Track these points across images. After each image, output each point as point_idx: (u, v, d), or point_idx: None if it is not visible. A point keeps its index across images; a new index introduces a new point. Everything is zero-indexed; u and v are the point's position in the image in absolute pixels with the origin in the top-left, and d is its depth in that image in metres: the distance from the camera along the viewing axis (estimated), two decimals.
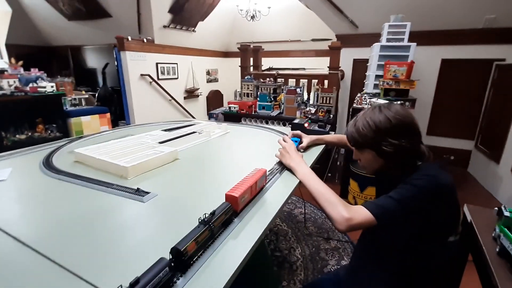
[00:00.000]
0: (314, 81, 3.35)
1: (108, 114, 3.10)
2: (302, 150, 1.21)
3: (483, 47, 3.03)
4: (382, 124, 0.78)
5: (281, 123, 2.91)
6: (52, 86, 2.59)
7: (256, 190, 0.78)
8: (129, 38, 3.90)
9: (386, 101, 2.22)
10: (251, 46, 3.88)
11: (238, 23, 5.60)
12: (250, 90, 3.39)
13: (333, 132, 1.64)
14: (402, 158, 0.80)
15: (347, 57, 3.67)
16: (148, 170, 0.98)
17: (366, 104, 2.29)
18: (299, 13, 4.93)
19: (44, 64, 4.87)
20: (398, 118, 0.77)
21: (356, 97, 2.51)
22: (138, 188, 0.81)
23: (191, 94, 5.34)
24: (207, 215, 0.57)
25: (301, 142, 1.24)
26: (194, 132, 1.46)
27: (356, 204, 2.19)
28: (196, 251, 0.52)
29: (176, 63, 4.88)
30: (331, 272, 1.53)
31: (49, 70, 4.06)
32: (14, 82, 2.42)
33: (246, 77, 3.44)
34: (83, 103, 3.08)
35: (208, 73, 5.93)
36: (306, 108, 3.00)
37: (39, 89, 2.51)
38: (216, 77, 6.21)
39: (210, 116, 3.39)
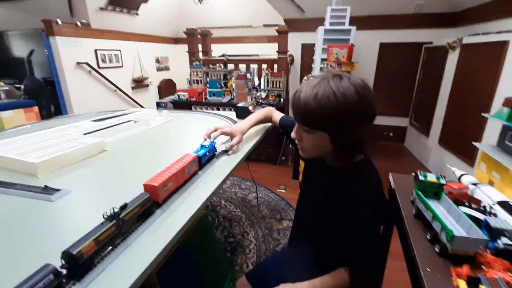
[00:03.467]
0: (264, 66, 3.34)
1: (35, 108, 2.72)
2: (233, 149, 1.00)
3: (414, 32, 3.30)
4: (351, 99, 0.60)
5: (232, 110, 2.85)
6: None
7: (184, 177, 0.73)
8: (59, 21, 3.43)
9: None
10: (198, 31, 3.70)
11: (186, 7, 5.29)
12: (200, 77, 3.26)
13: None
14: (354, 149, 0.69)
15: (296, 41, 3.72)
16: (65, 165, 0.86)
17: None
18: None
19: None
20: (365, 93, 0.62)
21: (303, 80, 2.56)
22: (45, 186, 0.70)
23: (139, 83, 4.97)
24: (115, 210, 0.51)
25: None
26: (129, 121, 1.34)
27: None
28: (96, 252, 0.45)
29: (119, 50, 4.47)
30: (277, 252, 1.56)
31: None
32: None
33: (194, 63, 3.29)
34: (2, 96, 2.66)
35: (157, 61, 5.56)
36: (257, 93, 2.98)
37: None
38: (166, 65, 5.86)
39: (158, 106, 3.20)
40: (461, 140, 2.26)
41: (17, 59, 4.85)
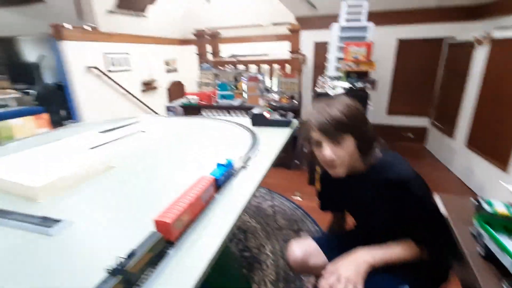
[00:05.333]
0: (276, 66, 3.23)
1: (45, 115, 2.69)
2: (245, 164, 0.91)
3: (434, 26, 3.10)
4: (355, 105, 0.75)
5: (244, 113, 2.75)
6: None
7: (200, 207, 0.62)
8: (67, 25, 3.41)
9: (349, 84, 2.18)
10: (208, 32, 3.61)
11: (194, 7, 5.22)
12: (210, 79, 3.17)
13: (296, 120, 1.53)
14: (373, 144, 0.77)
15: (308, 40, 3.58)
16: (69, 187, 0.78)
17: (328, 87, 2.22)
18: None
19: None
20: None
21: (318, 81, 2.43)
22: (45, 217, 0.62)
23: (149, 86, 4.93)
24: (121, 260, 0.41)
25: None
26: (136, 132, 1.25)
27: None
28: None
29: (128, 53, 4.43)
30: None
31: None
32: None
33: (203, 66, 3.21)
34: (13, 103, 2.64)
35: (166, 63, 5.52)
36: (269, 95, 2.87)
37: None
38: (175, 67, 5.81)
39: (168, 110, 3.13)
40: (493, 143, 2.09)
41: (28, 64, 4.90)
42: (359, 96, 2.07)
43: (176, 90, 5.71)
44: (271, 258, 1.58)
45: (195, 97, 2.98)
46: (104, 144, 1.08)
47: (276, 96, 2.84)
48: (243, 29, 5.19)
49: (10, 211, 0.66)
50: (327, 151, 0.73)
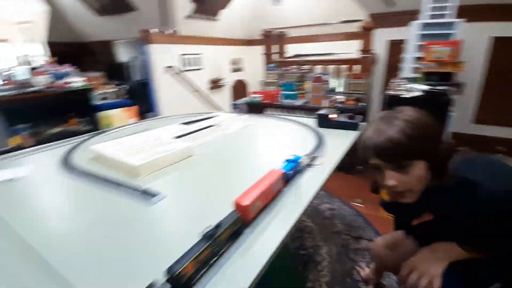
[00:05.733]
0: (343, 67, 3.12)
1: (135, 107, 3.16)
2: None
3: None
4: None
5: (307, 113, 2.75)
6: (82, 81, 2.67)
7: (271, 196, 0.68)
8: (154, 30, 3.92)
9: (428, 87, 1.98)
10: (275, 32, 3.71)
11: (261, 9, 5.39)
12: (274, 79, 3.25)
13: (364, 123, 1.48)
14: (447, 162, 0.64)
15: (381, 38, 3.36)
16: (160, 168, 0.93)
17: (403, 90, 2.06)
18: None
19: (77, 59, 5.13)
20: (421, 112, 0.65)
21: (392, 83, 2.27)
22: (145, 190, 0.76)
23: (215, 84, 5.31)
24: (210, 228, 0.49)
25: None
26: (213, 126, 1.39)
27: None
28: (195, 273, 0.44)
29: (201, 54, 4.85)
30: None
31: (82, 65, 4.24)
32: (47, 78, 2.52)
33: (269, 66, 3.30)
34: (112, 97, 3.16)
35: (232, 62, 5.85)
36: (334, 96, 2.81)
37: (68, 84, 2.59)
38: (240, 66, 6.11)
39: (234, 107, 3.33)
40: None
41: (121, 64, 5.79)
42: (439, 101, 1.87)
43: (239, 88, 6.01)
44: (326, 260, 1.56)
45: (259, 95, 3.10)
46: (186, 134, 1.23)
47: (341, 98, 2.76)
48: (307, 28, 5.14)
49: (119, 183, 0.82)
50: (390, 180, 0.64)
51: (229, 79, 5.74)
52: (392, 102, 1.96)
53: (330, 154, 1.02)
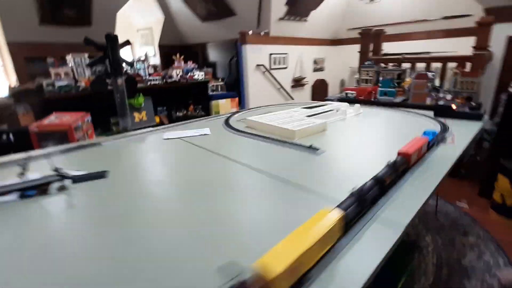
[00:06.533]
0: (450, 65, 2.94)
1: (237, 99, 3.65)
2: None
3: None
4: None
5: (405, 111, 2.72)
6: (202, 75, 3.25)
7: (421, 154, 0.86)
8: (250, 32, 4.37)
9: None
10: (372, 30, 3.71)
11: (352, 8, 5.35)
12: (370, 76, 3.28)
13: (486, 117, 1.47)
14: None
15: (498, 34, 3.02)
16: (306, 136, 1.19)
17: None
18: None
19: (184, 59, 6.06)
20: None
21: None
22: (311, 145, 1.02)
23: (298, 83, 5.54)
24: (394, 161, 0.71)
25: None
26: (331, 110, 1.61)
27: (504, 202, 1.88)
28: (389, 185, 0.66)
29: (287, 53, 5.15)
30: None
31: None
32: (180, 72, 3.17)
33: (366, 63, 3.35)
34: (219, 89, 3.71)
35: (315, 62, 5.98)
36: (438, 94, 2.70)
37: (192, 77, 3.20)
38: (322, 66, 6.19)
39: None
40: None
41: (214, 63, 6.55)
42: None
43: (319, 87, 6.09)
44: (431, 247, 1.61)
45: (353, 92, 3.19)
46: (315, 115, 1.48)
47: (448, 96, 2.63)
48: (403, 26, 4.87)
49: (284, 141, 1.11)
50: None
51: (310, 78, 5.90)
52: None
53: (458, 138, 1.11)
